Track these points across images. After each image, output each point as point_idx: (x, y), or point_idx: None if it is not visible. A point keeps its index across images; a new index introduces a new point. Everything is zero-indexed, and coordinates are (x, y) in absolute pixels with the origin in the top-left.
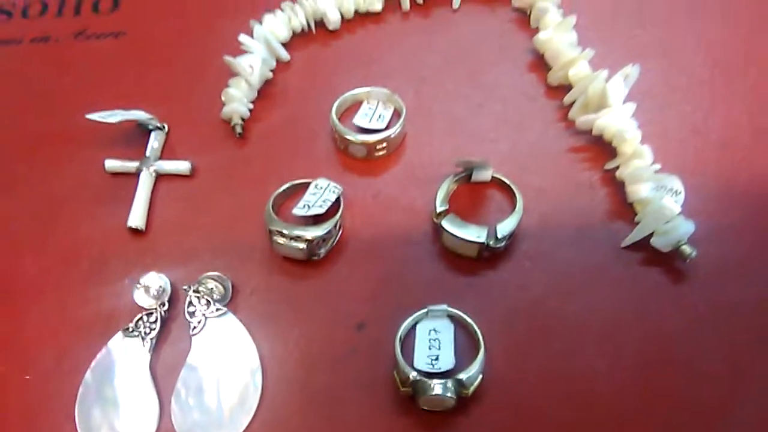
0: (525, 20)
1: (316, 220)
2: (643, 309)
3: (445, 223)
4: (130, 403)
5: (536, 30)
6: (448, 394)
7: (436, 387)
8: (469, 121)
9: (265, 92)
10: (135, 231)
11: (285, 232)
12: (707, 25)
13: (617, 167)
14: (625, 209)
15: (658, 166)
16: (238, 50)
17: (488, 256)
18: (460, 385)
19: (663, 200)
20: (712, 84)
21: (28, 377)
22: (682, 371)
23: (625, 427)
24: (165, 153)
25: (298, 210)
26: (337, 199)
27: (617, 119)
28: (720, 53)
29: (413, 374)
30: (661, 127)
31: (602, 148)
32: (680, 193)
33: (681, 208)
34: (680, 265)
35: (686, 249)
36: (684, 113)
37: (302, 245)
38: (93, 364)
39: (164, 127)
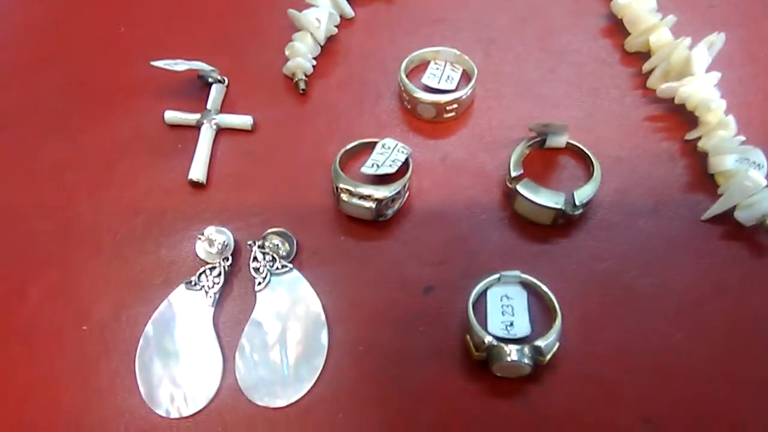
0: None
1: (384, 180)
2: (724, 284)
3: (521, 188)
4: (193, 358)
5: None
6: (525, 361)
7: (513, 353)
8: (540, 86)
9: (328, 49)
10: (195, 184)
11: (353, 190)
12: None
13: (699, 138)
14: (706, 181)
15: (742, 138)
16: (298, 3)
17: (562, 224)
18: (537, 352)
19: (749, 173)
20: None
21: (85, 328)
22: (760, 348)
23: (700, 405)
24: (225, 107)
25: (367, 168)
26: (406, 160)
27: (702, 88)
28: None
29: (488, 339)
30: (742, 99)
31: (681, 118)
32: (763, 166)
33: (766, 182)
34: (763, 239)
35: None
36: (764, 85)
37: (371, 204)
38: (154, 316)
39: (225, 80)
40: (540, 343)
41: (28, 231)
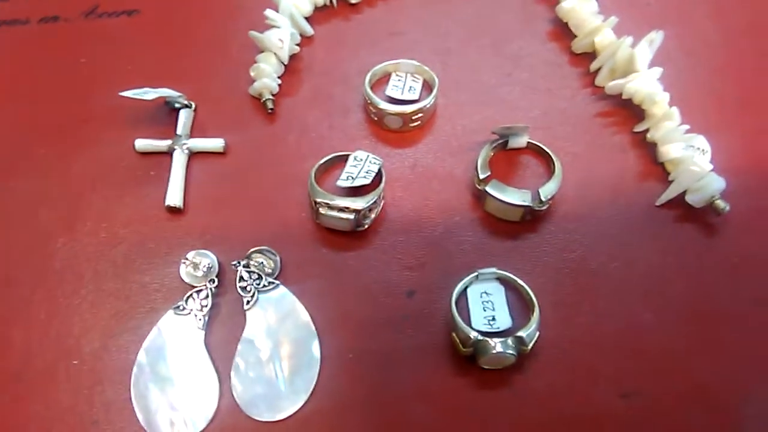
0: None
1: (360, 191)
2: (682, 262)
3: (490, 189)
4: (188, 381)
5: (555, 0)
6: (509, 351)
7: (498, 345)
8: (498, 90)
9: (292, 67)
10: (173, 210)
11: (331, 203)
12: None
13: (647, 130)
14: (657, 169)
15: (686, 127)
16: (258, 24)
17: (530, 220)
18: (519, 342)
19: (695, 158)
20: (726, 47)
21: (76, 362)
22: (723, 320)
23: (673, 377)
24: (194, 131)
25: (342, 182)
26: (379, 170)
27: (646, 83)
28: (731, 17)
29: (473, 334)
30: (683, 90)
31: (629, 112)
32: (707, 151)
33: (712, 165)
34: (713, 219)
35: (720, 204)
36: (701, 77)
37: (349, 216)
38: (145, 344)
39: (192, 104)
40: (522, 333)
41: (7, 271)
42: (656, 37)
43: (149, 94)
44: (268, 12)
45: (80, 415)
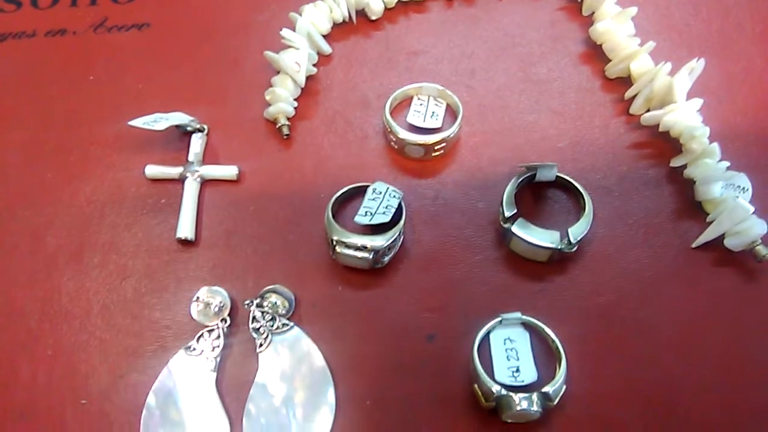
0: (575, 8)
1: (379, 227)
2: (718, 311)
3: (516, 229)
4: (198, 425)
5: (588, 18)
6: (534, 408)
7: (523, 402)
8: (525, 117)
9: (308, 88)
10: (184, 242)
11: (348, 242)
12: (763, 12)
13: (684, 165)
14: (693, 207)
15: (726, 164)
16: (273, 42)
17: (558, 260)
18: (545, 398)
19: (737, 200)
20: None
21: (84, 401)
22: (760, 372)
23: None
24: (207, 156)
25: (360, 218)
26: (399, 205)
27: (685, 116)
28: None
29: (496, 388)
30: (724, 122)
31: (666, 144)
32: (748, 189)
33: (753, 208)
34: (753, 264)
35: (761, 249)
36: (744, 106)
37: (367, 255)
38: (155, 386)
39: (204, 128)
40: (548, 389)
41: (13, 304)
42: (697, 65)
43: (160, 122)
44: (285, 32)
45: None
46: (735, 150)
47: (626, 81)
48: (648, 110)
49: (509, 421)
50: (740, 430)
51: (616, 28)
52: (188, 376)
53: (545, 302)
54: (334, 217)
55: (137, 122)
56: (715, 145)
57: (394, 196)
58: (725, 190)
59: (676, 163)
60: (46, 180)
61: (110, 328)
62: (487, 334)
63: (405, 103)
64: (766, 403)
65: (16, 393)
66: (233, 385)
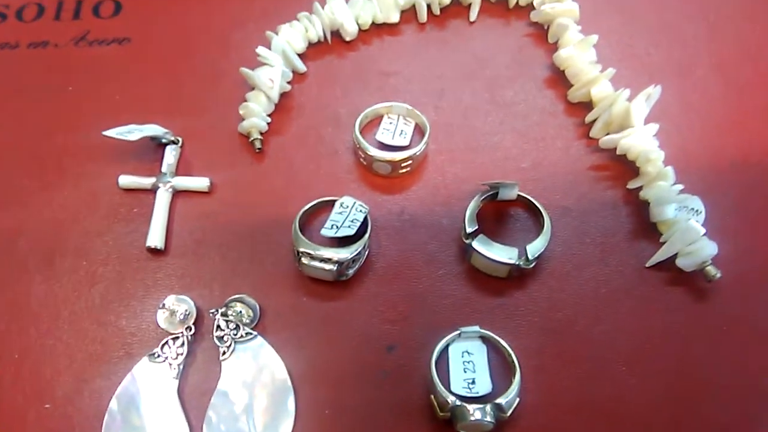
0: (542, 34)
1: (344, 240)
2: (670, 328)
3: (476, 244)
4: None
5: (554, 45)
6: (487, 419)
7: (476, 413)
8: (490, 138)
9: (282, 105)
10: (154, 251)
11: (314, 253)
12: (719, 44)
13: (640, 187)
14: (648, 228)
15: (680, 187)
16: (250, 59)
17: (517, 276)
18: (498, 409)
19: (689, 222)
20: (726, 103)
21: (48, 406)
22: (709, 390)
23: None
24: (180, 167)
25: (326, 231)
26: (365, 219)
27: (641, 139)
28: (732, 72)
29: (452, 399)
30: (680, 147)
31: (623, 167)
32: (701, 212)
33: (704, 230)
34: (703, 284)
35: (711, 270)
36: (700, 133)
37: (332, 267)
38: (118, 391)
39: (179, 140)
40: (501, 400)
41: None
42: (654, 92)
43: (134, 133)
44: (260, 49)
45: None
46: (690, 174)
47: (588, 105)
48: (608, 134)
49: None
50: None
51: (578, 54)
52: (151, 383)
53: (504, 317)
54: (301, 229)
55: (111, 132)
56: (670, 169)
57: (361, 211)
58: (679, 212)
59: (632, 185)
60: (21, 186)
61: (77, 334)
62: (446, 346)
63: (375, 121)
64: (714, 416)
65: None
66: (195, 393)
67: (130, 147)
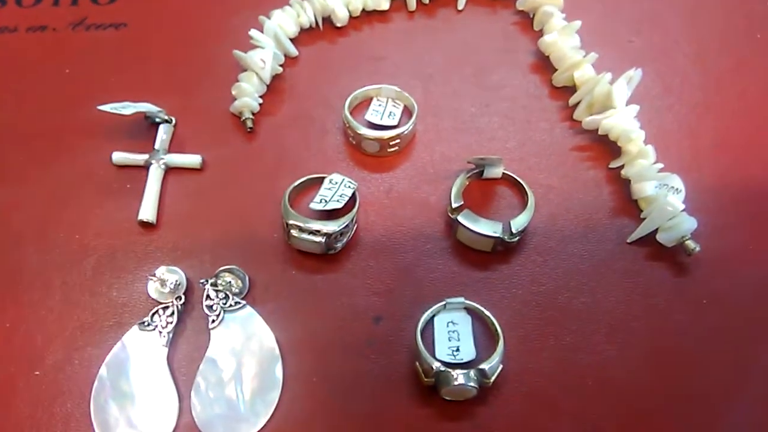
0: (527, 22)
1: (333, 214)
2: (650, 301)
3: (462, 218)
4: (148, 398)
5: (539, 32)
6: (471, 384)
7: (460, 377)
8: (477, 119)
9: (274, 87)
10: (145, 224)
11: (303, 226)
12: (699, 30)
13: (622, 166)
14: (630, 206)
15: (660, 165)
16: (243, 44)
17: (501, 251)
18: (482, 375)
19: (667, 198)
20: (704, 88)
21: (38, 372)
22: (687, 359)
23: (635, 414)
24: (173, 147)
25: (315, 204)
26: (353, 195)
27: (623, 120)
28: (711, 57)
29: (436, 365)
30: (660, 128)
31: (606, 147)
32: (681, 191)
33: (684, 205)
34: (683, 258)
35: (690, 244)
36: (679, 115)
37: (320, 239)
38: (108, 358)
39: (172, 120)
40: (484, 366)
41: None
42: (635, 75)
43: (128, 108)
44: (253, 32)
45: (38, 428)
46: (670, 154)
47: (571, 89)
48: (590, 116)
49: (447, 398)
50: (666, 411)
51: (562, 40)
52: (141, 350)
53: (488, 289)
54: (291, 205)
55: (106, 107)
56: (650, 147)
57: (349, 186)
58: (659, 189)
59: (614, 164)
60: (17, 162)
61: (69, 302)
62: (432, 317)
63: (365, 104)
64: (692, 387)
65: None
66: (184, 360)
67: (124, 126)
